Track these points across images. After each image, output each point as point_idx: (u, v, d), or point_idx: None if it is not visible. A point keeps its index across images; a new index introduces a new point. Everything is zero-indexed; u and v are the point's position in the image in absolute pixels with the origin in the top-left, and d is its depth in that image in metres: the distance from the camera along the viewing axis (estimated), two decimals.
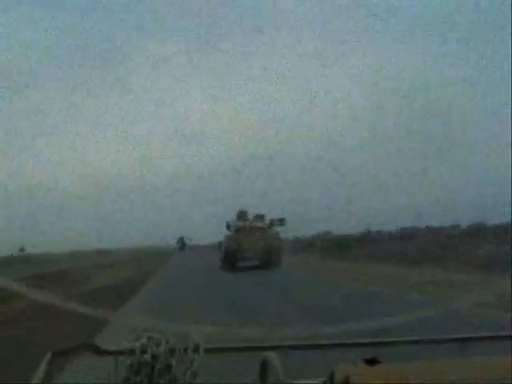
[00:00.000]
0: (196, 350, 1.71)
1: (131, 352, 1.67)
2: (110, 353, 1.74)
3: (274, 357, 1.22)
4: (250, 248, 31.24)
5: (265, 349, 1.30)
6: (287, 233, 37.32)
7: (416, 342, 1.63)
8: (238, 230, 33.53)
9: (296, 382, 1.25)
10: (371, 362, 1.15)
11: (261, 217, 34.86)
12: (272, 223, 34.32)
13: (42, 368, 1.55)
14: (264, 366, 1.25)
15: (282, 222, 34.67)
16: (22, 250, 47.67)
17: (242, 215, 34.86)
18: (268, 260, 30.80)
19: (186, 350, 1.70)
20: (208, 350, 1.74)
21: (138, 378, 1.66)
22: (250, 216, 34.90)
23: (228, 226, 34.98)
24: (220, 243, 36.89)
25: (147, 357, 1.67)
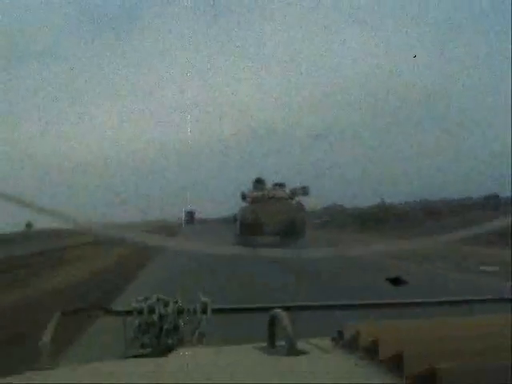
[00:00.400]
0: (204, 310, 1.71)
1: (139, 312, 1.68)
2: (118, 313, 1.74)
3: (282, 313, 1.21)
4: (270, 221, 26.57)
5: (273, 309, 1.30)
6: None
7: (427, 304, 1.62)
8: (255, 201, 28.97)
9: (304, 339, 1.25)
10: (395, 281, 1.14)
11: (281, 185, 30.35)
12: (294, 193, 29.83)
13: (51, 327, 1.56)
14: (272, 324, 1.25)
15: (304, 190, 30.06)
16: (28, 225, 45.61)
17: (259, 184, 30.36)
18: (290, 235, 25.81)
19: (194, 310, 1.71)
20: (216, 311, 1.74)
21: (145, 337, 1.67)
22: (269, 185, 30.61)
23: (244, 197, 30.19)
24: (234, 216, 31.67)
25: (155, 317, 1.68)
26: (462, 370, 0.80)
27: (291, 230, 26.65)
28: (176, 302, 1.72)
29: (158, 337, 1.68)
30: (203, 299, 1.73)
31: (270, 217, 26.65)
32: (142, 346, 1.66)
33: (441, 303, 1.65)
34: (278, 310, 1.23)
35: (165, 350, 1.53)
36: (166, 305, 1.71)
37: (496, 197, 35.22)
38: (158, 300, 1.71)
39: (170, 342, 1.67)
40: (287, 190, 30.11)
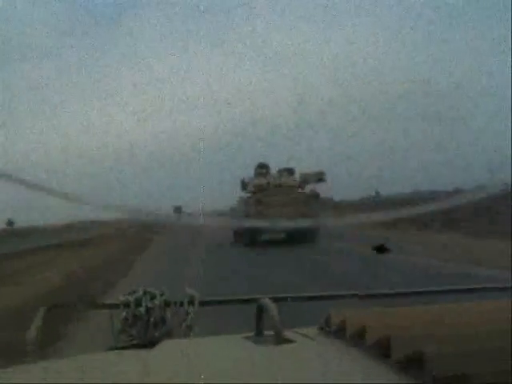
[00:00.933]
0: (191, 302, 1.71)
1: (126, 305, 1.68)
2: (105, 306, 1.74)
3: (269, 303, 1.21)
4: (276, 214, 20.87)
5: (260, 299, 1.30)
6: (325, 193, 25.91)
7: (417, 294, 1.63)
8: (257, 190, 23.75)
9: (291, 329, 1.25)
10: (380, 249, 1.15)
11: (289, 171, 24.81)
12: (306, 179, 24.14)
13: (37, 323, 1.55)
14: (260, 314, 1.25)
15: (320, 176, 23.93)
16: (9, 223, 43.86)
17: (262, 170, 24.94)
18: (303, 232, 20.45)
19: (181, 303, 1.71)
20: (203, 303, 1.74)
21: (133, 330, 1.66)
22: (274, 171, 25.22)
23: (244, 186, 25.04)
24: (232, 209, 25.98)
25: (142, 310, 1.68)
26: (449, 355, 0.80)
27: (304, 228, 20.65)
28: (162, 295, 1.72)
29: (146, 329, 1.67)
30: (190, 291, 1.72)
31: (277, 209, 21.32)
32: (130, 338, 1.65)
33: (429, 292, 1.66)
34: (265, 300, 1.23)
35: (152, 342, 1.52)
36: (152, 297, 1.71)
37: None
38: (145, 293, 1.71)
39: (157, 334, 1.66)
40: (297, 177, 24.67)
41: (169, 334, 1.66)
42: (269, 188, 23.70)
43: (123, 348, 1.49)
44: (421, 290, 1.72)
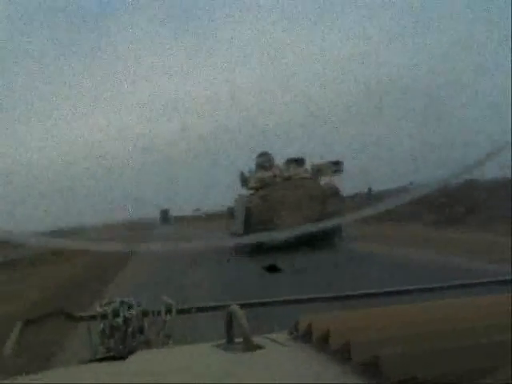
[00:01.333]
0: (168, 311, 1.72)
1: (103, 317, 1.68)
2: (82, 318, 1.74)
3: (237, 309, 1.23)
4: (288, 215, 17.03)
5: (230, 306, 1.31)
6: None
7: (381, 294, 1.65)
8: (262, 186, 19.49)
9: (262, 335, 1.27)
10: (271, 268, 1.19)
11: (298, 162, 20.47)
12: (319, 171, 19.87)
13: (14, 337, 1.55)
14: (230, 320, 1.27)
15: (337, 167, 19.79)
16: None
17: (265, 160, 20.66)
18: (322, 236, 16.17)
19: (158, 312, 1.72)
20: (178, 311, 1.75)
21: (111, 341, 1.67)
22: (279, 162, 20.86)
23: (244, 181, 20.83)
24: (229, 210, 22.04)
25: (119, 320, 1.68)
26: (405, 357, 0.82)
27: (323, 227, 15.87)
28: (140, 305, 1.73)
29: (124, 340, 1.68)
30: (168, 301, 1.73)
31: (289, 208, 17.43)
32: (108, 349, 1.66)
33: (392, 293, 1.69)
34: (234, 307, 1.24)
35: (129, 353, 1.53)
36: (130, 307, 1.72)
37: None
38: (122, 303, 1.72)
39: (135, 344, 1.67)
40: (308, 168, 20.40)
41: (147, 344, 1.67)
42: (275, 182, 19.33)
43: (99, 360, 1.50)
44: (391, 290, 1.74)
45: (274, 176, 19.93)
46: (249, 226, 17.88)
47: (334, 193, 18.56)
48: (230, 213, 21.62)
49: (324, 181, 19.75)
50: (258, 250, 16.08)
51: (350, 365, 0.92)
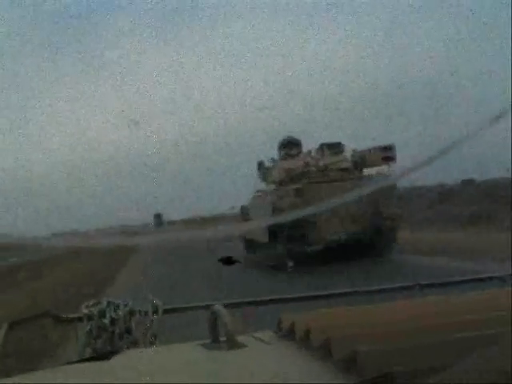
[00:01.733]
0: (155, 311, 1.72)
1: (90, 318, 1.68)
2: (69, 320, 1.74)
3: (221, 309, 1.23)
4: (336, 217, 13.20)
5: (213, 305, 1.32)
6: None
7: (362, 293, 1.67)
8: (290, 179, 15.16)
9: (247, 334, 1.28)
10: (227, 261, 1.21)
11: (335, 148, 16.10)
12: (364, 160, 15.31)
13: None
14: (214, 319, 1.27)
15: (388, 153, 14.81)
16: None
17: (291, 148, 16.68)
18: (374, 246, 13.45)
19: (145, 312, 1.72)
20: (165, 311, 1.76)
21: (98, 342, 1.67)
22: (307, 148, 16.67)
23: (264, 172, 17.03)
24: (245, 211, 17.73)
25: (106, 321, 1.68)
26: (381, 353, 0.83)
27: (376, 233, 13.63)
28: (126, 305, 1.73)
29: (111, 340, 1.68)
30: (155, 301, 1.74)
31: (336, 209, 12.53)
32: (95, 350, 1.66)
33: (372, 292, 1.70)
34: (218, 306, 1.25)
35: (115, 353, 1.54)
36: (116, 308, 1.72)
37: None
38: (109, 304, 1.72)
39: (122, 344, 1.68)
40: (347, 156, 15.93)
41: (134, 344, 1.67)
42: (310, 173, 14.88)
43: (84, 360, 1.51)
44: (366, 290, 1.76)
45: (307, 163, 15.28)
46: (278, 232, 13.53)
47: (390, 188, 13.39)
48: (245, 214, 17.18)
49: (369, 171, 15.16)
50: (291, 260, 12.59)
51: (331, 361, 0.93)
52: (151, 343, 1.70)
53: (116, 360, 1.22)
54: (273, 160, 16.99)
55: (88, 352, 1.66)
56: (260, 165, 17.31)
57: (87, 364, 1.23)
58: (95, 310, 1.71)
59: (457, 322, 0.93)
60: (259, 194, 17.14)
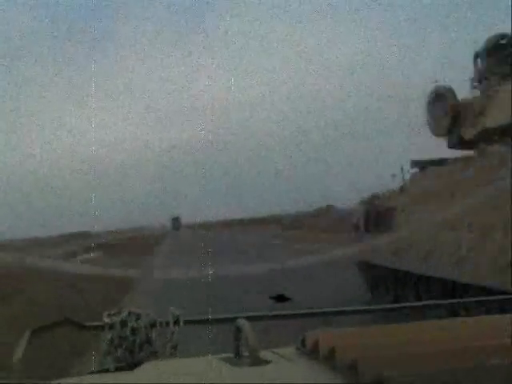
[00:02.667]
0: (176, 322, 1.72)
1: (111, 327, 1.68)
2: (90, 328, 1.75)
3: (245, 323, 1.23)
4: None
5: (239, 318, 1.32)
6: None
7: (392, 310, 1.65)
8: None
9: (270, 349, 1.27)
10: (279, 298, 1.21)
11: None
12: None
13: (22, 346, 1.56)
14: (237, 334, 1.27)
15: None
16: None
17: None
18: None
19: (166, 322, 1.72)
20: (186, 322, 1.75)
21: (118, 351, 1.67)
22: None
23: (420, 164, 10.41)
24: (366, 208, 11.44)
25: (127, 331, 1.68)
26: (408, 378, 0.82)
27: None
28: (148, 315, 1.73)
29: (131, 350, 1.68)
30: (175, 312, 1.73)
31: None
32: (116, 360, 1.66)
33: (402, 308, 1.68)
34: (242, 320, 1.25)
35: (136, 364, 1.54)
36: (137, 318, 1.72)
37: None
38: (130, 313, 1.72)
39: (143, 355, 1.67)
40: None
41: (154, 355, 1.67)
42: None
43: (106, 371, 1.51)
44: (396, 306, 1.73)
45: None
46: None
47: None
48: (366, 218, 11.18)
49: None
50: None
51: (357, 383, 0.92)
52: (171, 354, 1.69)
53: (139, 372, 1.22)
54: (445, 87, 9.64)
55: (109, 361, 1.66)
56: (436, 95, 9.94)
57: (111, 374, 1.23)
58: (117, 319, 1.71)
59: (484, 345, 0.91)
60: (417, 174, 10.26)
